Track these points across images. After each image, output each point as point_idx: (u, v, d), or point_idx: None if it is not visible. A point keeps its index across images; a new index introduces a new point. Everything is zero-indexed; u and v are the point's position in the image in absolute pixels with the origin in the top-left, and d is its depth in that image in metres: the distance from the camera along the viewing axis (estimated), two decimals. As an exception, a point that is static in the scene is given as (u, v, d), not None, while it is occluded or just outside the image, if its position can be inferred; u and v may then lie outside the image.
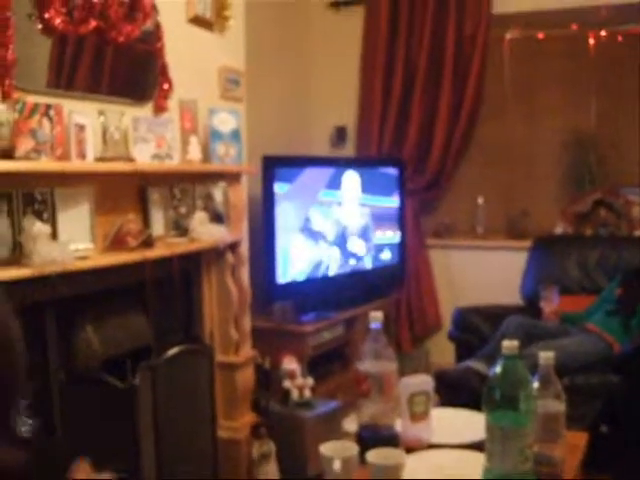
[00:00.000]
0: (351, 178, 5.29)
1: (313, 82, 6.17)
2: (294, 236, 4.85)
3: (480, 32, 5.68)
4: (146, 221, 3.58)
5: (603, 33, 5.63)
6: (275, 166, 4.71)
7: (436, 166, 5.84)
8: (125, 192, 3.50)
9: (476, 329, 4.62)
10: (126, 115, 3.46)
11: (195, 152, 3.76)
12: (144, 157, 3.51)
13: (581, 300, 4.79)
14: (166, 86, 3.81)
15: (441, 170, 5.86)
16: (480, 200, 5.89)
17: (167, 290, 3.68)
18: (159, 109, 3.79)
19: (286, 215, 4.77)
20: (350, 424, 4.30)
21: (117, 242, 3.35)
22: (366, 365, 2.50)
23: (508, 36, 5.84)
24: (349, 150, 6.14)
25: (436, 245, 6.03)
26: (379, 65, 5.89)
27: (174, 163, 3.66)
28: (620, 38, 5.58)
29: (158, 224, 3.64)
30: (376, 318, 2.54)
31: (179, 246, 3.60)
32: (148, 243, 3.43)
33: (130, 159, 3.41)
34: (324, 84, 6.17)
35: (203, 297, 4.04)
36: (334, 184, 5.16)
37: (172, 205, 3.72)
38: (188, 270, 3.89)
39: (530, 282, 5.13)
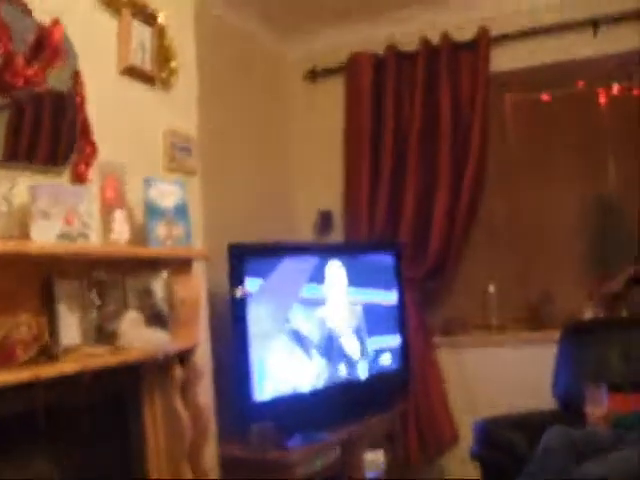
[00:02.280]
0: (336, 268, 4.23)
1: (292, 161, 5.21)
2: (272, 342, 3.75)
3: (478, 93, 4.74)
4: (52, 325, 2.49)
5: (615, 88, 4.81)
6: (244, 256, 3.68)
7: (438, 250, 4.78)
8: (20, 284, 2.43)
9: (507, 445, 3.48)
10: (22, 184, 2.42)
11: (121, 230, 2.70)
12: (46, 236, 2.44)
13: (631, 399, 3.70)
14: (88, 149, 2.80)
15: (444, 255, 4.80)
16: (491, 288, 4.86)
17: (89, 422, 2.56)
18: (78, 178, 2.77)
19: (261, 316, 3.71)
20: None
21: (2, 354, 2.25)
22: None
23: (510, 98, 4.98)
24: (337, 238, 5.10)
25: (445, 344, 4.93)
26: (365, 140, 4.93)
27: (91, 245, 2.58)
28: (636, 91, 4.74)
29: (70, 329, 2.55)
30: (374, 463, 1.45)
31: (97, 358, 2.49)
32: (48, 354, 2.33)
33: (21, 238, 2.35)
34: (305, 163, 5.21)
35: (143, 429, 2.90)
36: (318, 277, 4.10)
37: (92, 303, 2.64)
38: (120, 392, 2.78)
39: (564, 380, 4.04)
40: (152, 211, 2.90)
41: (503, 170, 4.92)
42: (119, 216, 2.73)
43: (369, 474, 1.35)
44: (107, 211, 2.74)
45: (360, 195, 4.92)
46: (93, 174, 2.80)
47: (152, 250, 2.87)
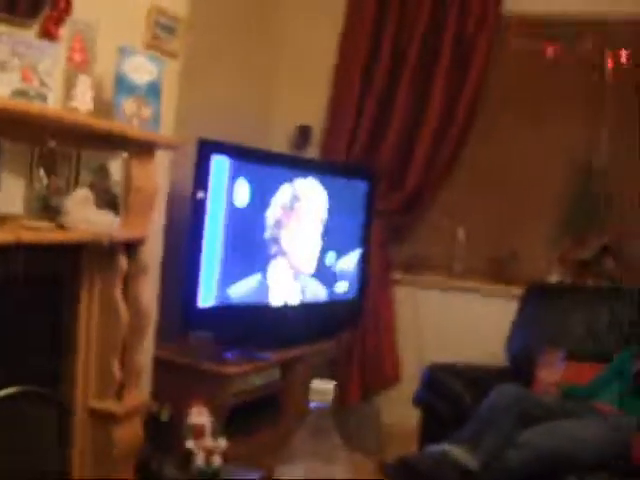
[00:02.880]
0: (314, 185, 3.99)
1: (277, 69, 4.85)
2: (226, 250, 3.52)
3: (484, 32, 4.46)
4: (-10, 190, 2.24)
5: (623, 54, 4.53)
6: (214, 153, 3.42)
7: (414, 185, 4.56)
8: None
9: (453, 395, 3.31)
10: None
11: (83, 99, 2.42)
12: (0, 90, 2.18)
13: (586, 369, 3.54)
14: (62, 4, 2.50)
15: (419, 191, 4.59)
16: (461, 233, 4.65)
17: (20, 297, 2.33)
18: (46, 34, 2.47)
19: (221, 218, 3.46)
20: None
21: None
22: (294, 474, 1.29)
23: (514, 43, 4.65)
24: (313, 155, 4.81)
25: (404, 281, 4.73)
26: (360, 53, 4.60)
27: (48, 108, 2.31)
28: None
29: (12, 196, 2.30)
30: (321, 393, 1.24)
31: (35, 232, 2.24)
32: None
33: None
34: (290, 73, 4.85)
35: (77, 314, 2.67)
36: (288, 192, 3.86)
37: (39, 173, 2.38)
38: (57, 273, 2.54)
39: (520, 340, 3.87)
40: (122, 84, 2.63)
41: (495, 117, 4.64)
42: (83, 82, 2.45)
43: (313, 404, 1.16)
44: (71, 75, 2.46)
45: (345, 113, 4.63)
46: (63, 33, 2.52)
47: (115, 125, 2.58)
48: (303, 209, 3.96)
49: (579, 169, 4.51)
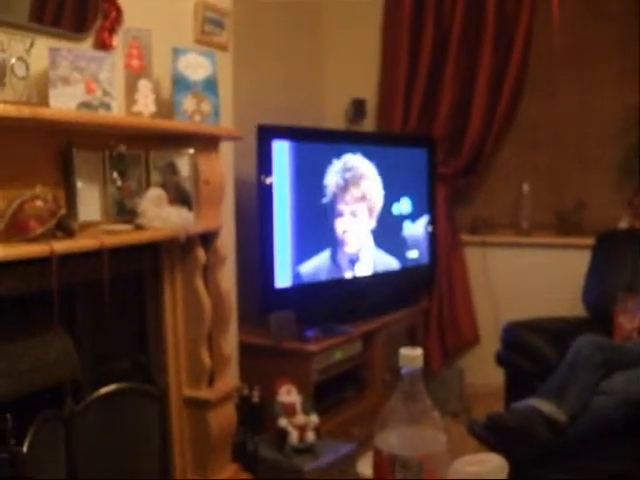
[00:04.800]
0: (374, 157, 4.02)
1: (328, 46, 4.85)
2: (297, 228, 3.58)
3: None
4: (70, 199, 2.32)
5: None
6: (274, 138, 3.47)
7: (473, 148, 4.53)
8: (36, 155, 2.24)
9: (535, 351, 3.30)
10: (39, 46, 2.21)
11: (146, 102, 2.49)
12: (65, 104, 2.25)
13: (666, 312, 3.49)
14: (113, 14, 2.57)
15: (479, 153, 4.56)
16: (525, 188, 4.60)
17: (109, 299, 2.41)
18: (101, 44, 2.55)
19: (287, 200, 3.52)
20: (368, 467, 3.08)
21: (15, 227, 2.09)
22: (391, 441, 1.26)
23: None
24: (369, 128, 4.82)
25: (472, 242, 4.71)
26: (405, 26, 4.57)
27: (112, 116, 2.38)
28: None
29: (89, 204, 2.38)
30: (411, 358, 1.27)
31: (115, 236, 2.32)
32: (66, 230, 2.17)
33: (40, 105, 2.16)
34: (340, 49, 4.85)
35: (162, 309, 2.75)
36: (351, 165, 3.89)
37: (112, 178, 2.46)
38: (140, 273, 2.63)
39: (596, 289, 3.82)
40: (180, 83, 2.68)
41: (546, 71, 4.56)
42: (144, 86, 2.51)
43: (404, 370, 1.20)
44: (131, 81, 2.52)
45: (396, 86, 4.61)
46: (117, 41, 2.59)
47: (179, 124, 2.65)
48: (364, 182, 4.00)
49: (634, 113, 4.43)
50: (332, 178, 3.78)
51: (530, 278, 4.52)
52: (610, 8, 4.45)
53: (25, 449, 1.91)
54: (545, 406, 2.73)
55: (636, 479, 2.39)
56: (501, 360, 3.41)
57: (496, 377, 3.55)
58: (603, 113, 4.50)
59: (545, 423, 2.68)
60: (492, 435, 2.68)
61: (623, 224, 4.31)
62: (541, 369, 3.15)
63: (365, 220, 4.01)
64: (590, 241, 4.04)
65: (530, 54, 4.48)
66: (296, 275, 3.61)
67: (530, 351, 3.30)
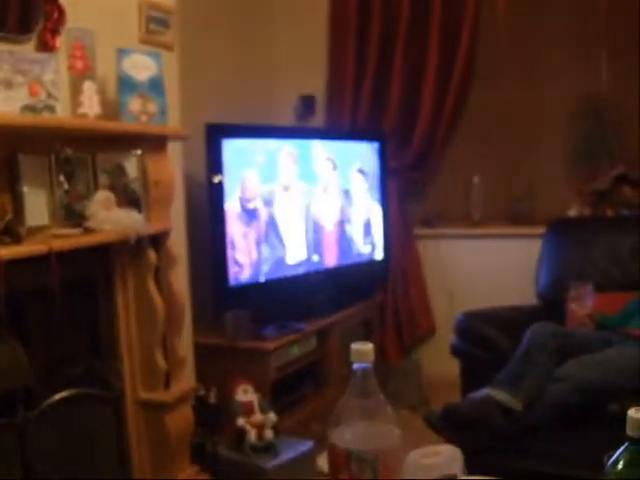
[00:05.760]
0: (324, 152, 4.03)
1: (276, 42, 4.84)
2: (249, 228, 3.58)
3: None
4: (16, 204, 2.30)
5: None
6: (223, 136, 3.46)
7: (423, 141, 4.57)
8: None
9: (488, 340, 3.33)
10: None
11: (91, 103, 2.47)
12: (9, 108, 2.23)
13: (616, 298, 3.54)
14: (55, 14, 2.54)
15: (429, 145, 4.59)
16: (476, 180, 4.65)
17: (58, 306, 2.39)
18: (44, 47, 2.51)
19: (237, 197, 3.51)
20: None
21: (-40, 235, 2.06)
22: (346, 436, 1.28)
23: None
24: (318, 123, 4.83)
25: (426, 235, 4.76)
26: (351, 20, 4.59)
27: (57, 118, 2.36)
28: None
29: (36, 208, 2.35)
30: (362, 354, 1.29)
31: (64, 240, 2.30)
32: (13, 235, 2.15)
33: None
34: (289, 45, 4.84)
35: (115, 313, 2.73)
36: (302, 161, 3.89)
37: (59, 181, 2.43)
38: (90, 276, 2.60)
39: (547, 277, 3.86)
40: (125, 83, 2.66)
41: (493, 62, 4.62)
42: (89, 88, 2.49)
43: (355, 366, 1.21)
44: (76, 82, 2.50)
45: (344, 80, 4.63)
46: (60, 42, 2.56)
47: (125, 125, 2.64)
48: (316, 177, 4.01)
49: (584, 101, 4.50)
50: (283, 172, 3.79)
51: (483, 269, 4.58)
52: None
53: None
54: (500, 395, 2.75)
55: (586, 461, 2.43)
56: (456, 350, 3.43)
57: (453, 367, 3.58)
58: (552, 102, 4.58)
59: (501, 412, 2.70)
60: (449, 426, 2.71)
61: (573, 212, 4.38)
62: (496, 358, 3.17)
63: (322, 211, 4.03)
64: (541, 230, 4.07)
65: (478, 44, 4.51)
66: (249, 272, 3.61)
67: (484, 341, 3.32)
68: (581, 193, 4.39)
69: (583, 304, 3.38)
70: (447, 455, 1.33)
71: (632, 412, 1.03)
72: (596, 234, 3.91)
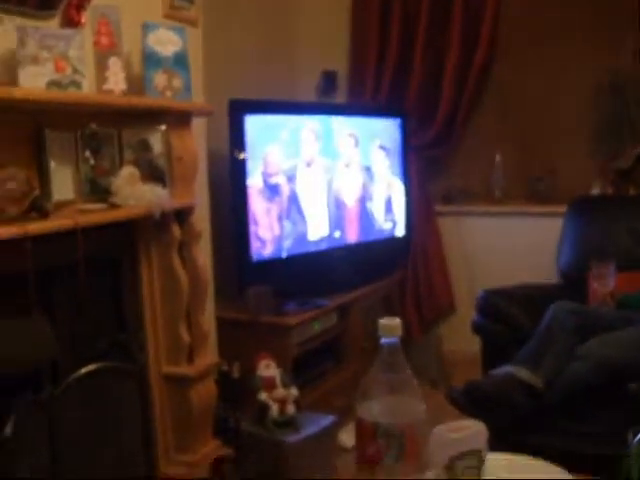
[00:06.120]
0: (346, 128, 4.03)
1: (298, 18, 4.80)
2: (272, 204, 3.59)
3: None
4: (42, 179, 2.32)
5: None
6: (246, 112, 3.46)
7: (445, 118, 4.54)
8: (7, 136, 2.23)
9: (510, 318, 3.34)
10: (6, 26, 2.20)
11: (116, 79, 2.48)
12: (35, 84, 2.24)
13: (637, 277, 3.53)
14: (80, -10, 2.54)
15: (451, 123, 4.57)
16: (498, 158, 4.62)
17: (83, 280, 2.41)
18: (69, 22, 2.51)
19: (262, 177, 3.52)
20: (349, 437, 3.12)
21: (-11, 209, 2.08)
22: (374, 410, 1.30)
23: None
24: (340, 99, 4.82)
25: (446, 212, 4.75)
26: (374, -3, 4.57)
27: (84, 94, 2.37)
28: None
29: (62, 183, 2.37)
30: (390, 328, 1.30)
31: (89, 215, 2.32)
32: (40, 210, 2.17)
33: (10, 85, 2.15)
34: (311, 21, 4.80)
35: (140, 287, 2.76)
36: (324, 137, 3.89)
37: (85, 157, 2.45)
38: (115, 251, 2.63)
39: (569, 255, 3.86)
40: (150, 59, 2.68)
41: (516, 40, 4.57)
42: (114, 64, 2.50)
43: (383, 340, 1.22)
44: (101, 58, 2.51)
45: (367, 56, 4.61)
46: (86, 18, 2.56)
47: (150, 100, 2.65)
48: (338, 153, 4.01)
49: (606, 78, 4.46)
50: (305, 148, 3.80)
51: (504, 246, 4.56)
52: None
53: (8, 433, 1.92)
54: (522, 372, 2.76)
55: (607, 438, 2.44)
56: (477, 328, 3.44)
57: (474, 344, 3.58)
58: (574, 80, 4.51)
59: (522, 389, 2.72)
60: (470, 402, 2.72)
61: (595, 191, 4.35)
62: (516, 336, 3.18)
63: (344, 188, 4.04)
64: (563, 209, 4.06)
65: (501, 22, 4.46)
66: (272, 248, 3.62)
67: (505, 318, 3.33)
68: (603, 172, 4.37)
69: (605, 283, 3.36)
70: (473, 430, 1.34)
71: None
72: (618, 213, 3.90)
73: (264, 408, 3.06)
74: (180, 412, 2.86)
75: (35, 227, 2.06)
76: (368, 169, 4.21)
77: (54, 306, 2.41)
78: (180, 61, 2.77)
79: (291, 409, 3.10)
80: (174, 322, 2.82)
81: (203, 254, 3.03)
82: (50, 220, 2.17)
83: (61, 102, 2.29)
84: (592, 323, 3.06)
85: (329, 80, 4.72)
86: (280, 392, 3.13)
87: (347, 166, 4.06)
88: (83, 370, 2.28)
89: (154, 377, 2.82)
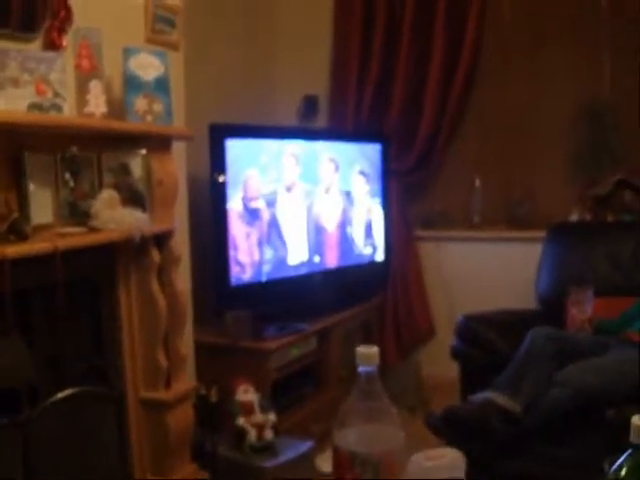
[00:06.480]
0: (326, 153, 4.05)
1: (280, 42, 4.84)
2: (252, 227, 3.60)
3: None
4: (22, 202, 2.31)
5: None
6: (227, 136, 3.47)
7: (425, 142, 4.57)
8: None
9: (488, 343, 3.35)
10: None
11: (97, 102, 2.48)
12: (15, 106, 2.24)
13: (615, 303, 3.55)
14: (62, 14, 2.55)
15: (431, 147, 4.60)
16: (477, 183, 4.65)
17: (61, 304, 2.40)
18: (50, 45, 2.52)
19: (241, 202, 3.53)
20: (326, 463, 3.12)
21: (-34, 232, 2.08)
22: (351, 439, 1.27)
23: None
24: (321, 124, 4.84)
25: (426, 237, 4.76)
26: (356, 21, 4.60)
27: (65, 117, 2.37)
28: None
29: (42, 206, 2.37)
30: (368, 357, 1.30)
31: (69, 238, 2.32)
32: (18, 233, 2.16)
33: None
34: (291, 45, 4.84)
35: (118, 311, 2.74)
36: (305, 161, 3.91)
37: (65, 180, 2.45)
38: (94, 275, 2.62)
39: (547, 281, 3.88)
40: (131, 83, 2.68)
41: (496, 65, 4.62)
42: (95, 87, 2.50)
43: (361, 369, 1.22)
44: (82, 81, 2.51)
45: (347, 81, 4.64)
46: (67, 41, 2.57)
47: (131, 125, 2.65)
48: (318, 178, 4.03)
49: (585, 105, 4.51)
50: (286, 172, 3.81)
51: (483, 272, 4.58)
52: (561, 1, 4.52)
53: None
54: (500, 398, 2.77)
55: (585, 465, 2.45)
56: (456, 353, 3.44)
57: (453, 369, 3.59)
58: (555, 106, 4.56)
59: (500, 415, 2.72)
60: (449, 428, 2.73)
61: (574, 217, 4.38)
62: (495, 361, 3.19)
63: (323, 213, 4.05)
64: (541, 234, 4.08)
65: (481, 48, 4.52)
66: (251, 272, 3.62)
67: (484, 344, 3.34)
68: (582, 198, 4.40)
69: (583, 309, 3.39)
70: (451, 459, 1.34)
71: (636, 419, 1.04)
72: (596, 239, 3.93)
73: (242, 433, 3.06)
74: (157, 437, 2.84)
75: (13, 250, 2.06)
76: (348, 194, 4.22)
77: (32, 328, 2.39)
78: (161, 85, 2.77)
79: (269, 434, 3.10)
80: (152, 347, 2.80)
81: (182, 278, 3.03)
82: (29, 243, 2.16)
83: (42, 125, 2.29)
84: (570, 349, 3.08)
85: (310, 104, 4.75)
86: (258, 417, 3.13)
87: (327, 191, 4.07)
88: (61, 394, 2.26)
89: (131, 402, 2.81)
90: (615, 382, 2.87)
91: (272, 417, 3.15)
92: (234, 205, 3.49)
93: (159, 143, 2.80)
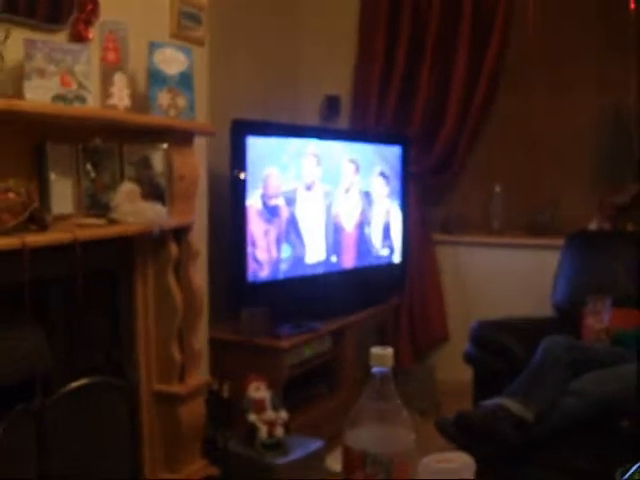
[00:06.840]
0: (347, 154, 4.05)
1: (303, 42, 4.84)
2: (270, 224, 3.60)
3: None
4: (43, 192, 2.33)
5: None
6: (248, 133, 3.47)
7: (446, 146, 4.57)
8: (9, 148, 2.24)
9: (502, 349, 3.34)
10: (14, 38, 2.22)
11: (121, 95, 2.50)
12: (40, 97, 2.26)
13: (633, 314, 3.52)
14: (89, 6, 2.57)
15: (452, 151, 4.59)
16: (497, 188, 4.64)
17: (81, 293, 2.42)
18: (77, 37, 2.54)
19: (259, 194, 3.53)
20: (336, 462, 3.12)
21: (-13, 220, 2.09)
22: (362, 439, 1.27)
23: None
24: (343, 125, 4.84)
25: (444, 241, 4.76)
26: (381, 23, 4.60)
27: (90, 109, 2.39)
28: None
29: (62, 197, 2.39)
30: (382, 358, 1.30)
31: (88, 230, 2.33)
32: (38, 222, 2.18)
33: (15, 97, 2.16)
34: (316, 45, 4.84)
35: (134, 304, 2.76)
36: (325, 162, 3.91)
37: (86, 171, 2.46)
38: (112, 267, 2.64)
39: (565, 289, 3.87)
40: (156, 77, 2.70)
41: (521, 71, 4.61)
42: (119, 80, 2.52)
43: (375, 369, 1.22)
44: (107, 74, 2.53)
45: (371, 83, 4.63)
46: (93, 34, 2.59)
47: (154, 118, 2.67)
48: (338, 179, 4.03)
49: (610, 112, 4.49)
50: (306, 171, 3.81)
51: (501, 278, 4.57)
52: (586, 9, 4.49)
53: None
54: (513, 405, 2.76)
55: (596, 474, 2.44)
56: (469, 358, 3.44)
57: (466, 374, 3.59)
58: (578, 112, 4.54)
59: (512, 422, 2.71)
60: (460, 432, 2.72)
61: (593, 225, 4.36)
62: (509, 368, 3.19)
63: (343, 213, 4.06)
64: (560, 242, 4.07)
65: (506, 53, 4.51)
66: (268, 270, 3.63)
67: (499, 350, 3.33)
68: (602, 207, 4.38)
69: (600, 318, 3.37)
70: (460, 462, 1.34)
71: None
72: (615, 248, 3.91)
73: (253, 430, 3.07)
74: (169, 430, 2.85)
75: (33, 239, 2.07)
76: (367, 194, 4.22)
77: (49, 318, 2.41)
78: (185, 80, 2.79)
79: (280, 432, 3.11)
80: (167, 340, 2.82)
81: (199, 274, 3.04)
82: (49, 233, 2.18)
83: (65, 116, 2.30)
84: (585, 359, 3.07)
85: (332, 105, 4.75)
86: (270, 414, 3.14)
87: (347, 191, 4.07)
88: (75, 383, 2.27)
89: (145, 394, 2.82)
90: (630, 393, 2.86)
91: (283, 415, 3.16)
92: (253, 202, 3.50)
93: (181, 138, 2.82)
